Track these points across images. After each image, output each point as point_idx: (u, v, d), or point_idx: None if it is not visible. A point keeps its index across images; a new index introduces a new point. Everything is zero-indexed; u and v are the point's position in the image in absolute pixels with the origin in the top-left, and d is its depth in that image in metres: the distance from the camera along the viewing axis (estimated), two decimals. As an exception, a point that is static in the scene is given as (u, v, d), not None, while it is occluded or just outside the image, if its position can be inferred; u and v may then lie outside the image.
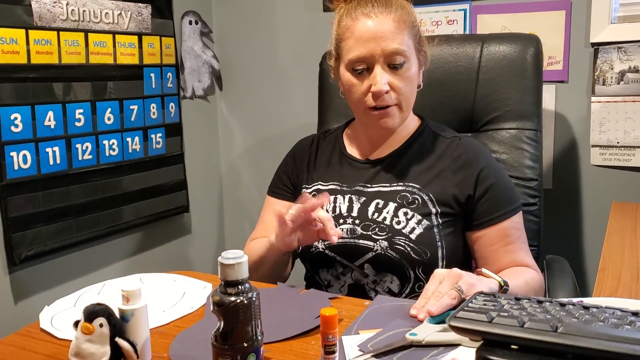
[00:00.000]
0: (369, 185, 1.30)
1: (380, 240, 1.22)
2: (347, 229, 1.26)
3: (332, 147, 1.41)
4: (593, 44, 1.80)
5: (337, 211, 1.29)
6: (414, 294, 1.23)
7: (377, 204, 1.26)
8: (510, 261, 1.24)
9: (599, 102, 1.82)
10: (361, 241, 1.24)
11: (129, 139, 1.97)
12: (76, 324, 0.86)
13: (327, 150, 1.41)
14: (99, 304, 0.84)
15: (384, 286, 1.24)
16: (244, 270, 0.79)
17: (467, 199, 1.25)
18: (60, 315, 1.06)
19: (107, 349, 0.82)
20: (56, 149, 1.76)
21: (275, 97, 2.33)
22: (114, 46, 1.91)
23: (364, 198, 1.28)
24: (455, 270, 1.00)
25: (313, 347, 0.91)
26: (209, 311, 1.05)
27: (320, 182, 1.36)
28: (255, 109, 2.39)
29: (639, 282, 1.12)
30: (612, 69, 1.78)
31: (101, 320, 0.82)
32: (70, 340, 0.95)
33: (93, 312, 0.83)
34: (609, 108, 1.80)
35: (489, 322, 0.75)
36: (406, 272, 1.22)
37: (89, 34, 1.83)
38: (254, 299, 0.79)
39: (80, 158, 1.83)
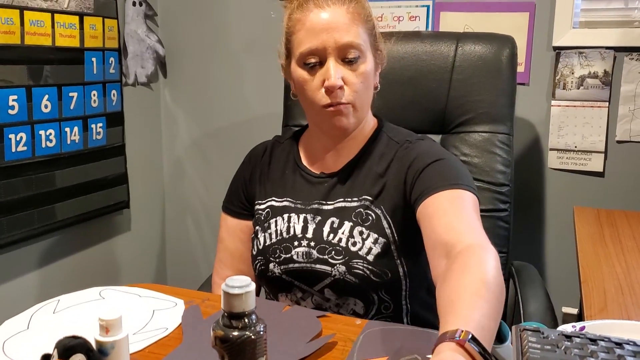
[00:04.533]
0: (325, 203, 1.19)
1: (337, 265, 1.12)
2: (303, 252, 1.15)
3: (286, 156, 1.29)
4: (555, 48, 1.80)
5: (292, 232, 1.18)
6: (381, 315, 1.15)
7: (332, 223, 1.16)
8: (447, 229, 0.96)
9: (558, 105, 1.82)
10: (318, 266, 1.14)
11: (67, 129, 1.80)
12: (45, 358, 0.73)
13: (282, 160, 1.29)
14: (75, 337, 0.72)
15: (347, 309, 1.15)
16: (251, 300, 0.69)
17: (405, 193, 1.13)
18: (13, 341, 0.92)
19: (85, 390, 0.71)
20: (-14, 139, 1.57)
21: (225, 87, 2.20)
22: (53, 26, 1.73)
23: (319, 217, 1.18)
24: None
25: (313, 378, 0.83)
26: (188, 335, 0.94)
27: (273, 198, 1.25)
28: (202, 99, 2.24)
29: (624, 295, 1.11)
30: (572, 73, 1.79)
31: (79, 357, 0.71)
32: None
33: (70, 348, 0.71)
34: (568, 112, 1.81)
35: None
36: (369, 295, 1.13)
37: (25, 12, 1.64)
38: (261, 332, 0.69)
39: (13, 150, 1.64)
